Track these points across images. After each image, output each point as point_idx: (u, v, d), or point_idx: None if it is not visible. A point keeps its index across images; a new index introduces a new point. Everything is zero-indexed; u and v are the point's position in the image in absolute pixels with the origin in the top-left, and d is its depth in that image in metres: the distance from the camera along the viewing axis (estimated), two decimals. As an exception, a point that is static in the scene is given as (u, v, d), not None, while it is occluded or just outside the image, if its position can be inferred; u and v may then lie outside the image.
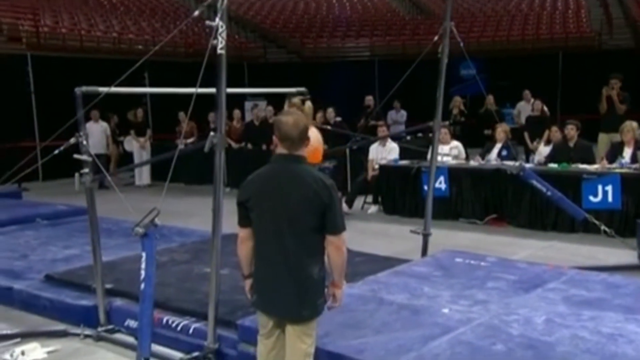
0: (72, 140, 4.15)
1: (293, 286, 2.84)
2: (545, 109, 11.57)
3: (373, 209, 9.17)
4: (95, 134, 10.93)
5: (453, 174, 8.27)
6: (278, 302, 2.89)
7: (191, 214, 8.02)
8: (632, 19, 19.12)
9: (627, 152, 7.57)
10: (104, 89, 4.11)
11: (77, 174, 4.21)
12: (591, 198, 7.07)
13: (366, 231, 7.52)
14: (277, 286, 2.87)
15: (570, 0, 21.73)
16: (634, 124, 7.73)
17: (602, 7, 20.93)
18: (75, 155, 4.17)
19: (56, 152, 4.20)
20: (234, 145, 11.30)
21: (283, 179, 2.86)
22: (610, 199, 7.01)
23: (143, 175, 12.03)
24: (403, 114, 14.26)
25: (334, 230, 2.83)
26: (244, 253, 3.00)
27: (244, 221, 2.95)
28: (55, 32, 15.73)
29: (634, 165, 7.27)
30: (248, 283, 3.05)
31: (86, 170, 4.22)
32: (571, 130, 8.08)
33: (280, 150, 2.89)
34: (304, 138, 2.88)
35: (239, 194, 2.97)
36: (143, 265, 3.34)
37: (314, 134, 3.92)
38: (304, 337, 2.91)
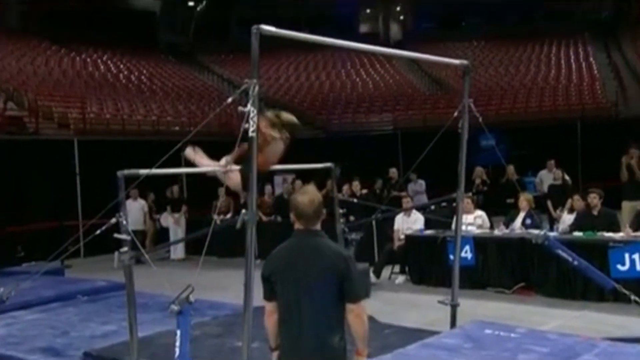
0: (113, 221, 4.26)
1: (315, 356, 2.86)
2: (567, 177, 11.49)
3: (400, 278, 9.02)
4: (134, 212, 11.14)
5: (478, 243, 8.15)
6: None
7: (224, 287, 7.99)
8: (646, 89, 19.15)
9: (652, 220, 7.42)
10: (143, 171, 4.23)
11: (116, 253, 4.26)
12: (619, 267, 6.85)
13: (394, 301, 7.38)
14: (301, 356, 2.88)
15: (585, 72, 21.93)
16: (656, 191, 7.60)
17: (616, 80, 21.02)
18: (116, 235, 4.27)
19: (98, 232, 4.30)
20: (265, 218, 11.38)
21: (303, 253, 2.95)
22: (638, 267, 6.78)
23: (178, 250, 12.11)
24: (421, 183, 14.11)
25: (352, 298, 2.87)
26: (270, 326, 3.02)
27: (269, 295, 2.99)
28: (100, 118, 16.40)
29: (660, 233, 7.09)
30: (275, 355, 3.04)
31: (125, 249, 4.28)
32: (594, 199, 7.94)
33: (298, 226, 3.00)
34: (319, 214, 2.99)
35: (263, 269, 3.04)
36: (177, 343, 3.31)
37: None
38: None
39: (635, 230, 7.37)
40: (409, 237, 9.04)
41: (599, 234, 7.44)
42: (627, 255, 6.85)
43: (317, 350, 2.85)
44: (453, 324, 5.53)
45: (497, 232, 8.50)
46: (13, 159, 12.13)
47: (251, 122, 3.75)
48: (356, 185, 11.52)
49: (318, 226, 3.01)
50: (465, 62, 5.69)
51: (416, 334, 5.24)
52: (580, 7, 28.51)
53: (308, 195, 3.00)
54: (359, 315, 2.87)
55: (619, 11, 27.68)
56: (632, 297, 5.75)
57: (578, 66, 22.87)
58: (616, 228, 7.61)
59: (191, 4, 28.95)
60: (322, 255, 2.91)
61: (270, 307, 2.99)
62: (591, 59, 23.53)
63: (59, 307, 7.35)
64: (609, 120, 17.11)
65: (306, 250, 2.95)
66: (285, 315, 2.94)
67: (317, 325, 2.86)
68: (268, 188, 12.54)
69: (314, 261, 2.90)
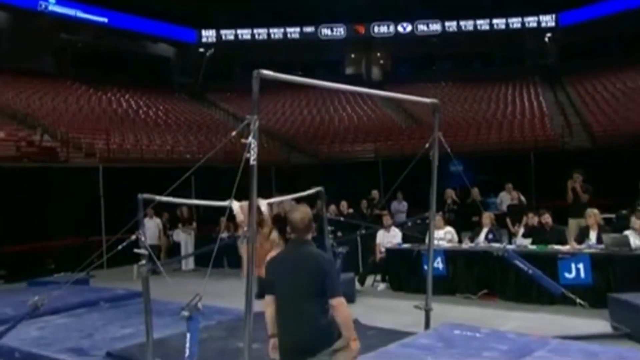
0: (133, 237, 4.25)
1: (307, 335, 3.03)
2: (522, 198, 11.55)
3: (382, 286, 8.98)
4: (150, 229, 11.01)
5: (448, 255, 8.13)
6: (295, 352, 3.05)
7: (229, 294, 7.81)
8: (587, 125, 19.42)
9: (593, 235, 7.45)
10: (159, 197, 4.24)
11: (135, 265, 4.22)
12: (566, 275, 6.86)
13: (376, 306, 7.33)
14: (296, 337, 3.05)
15: (535, 110, 22.22)
16: (595, 210, 7.67)
17: (562, 116, 21.33)
18: (135, 250, 4.25)
19: (120, 247, 4.28)
20: (265, 234, 11.33)
21: (295, 259, 3.17)
22: (582, 275, 6.80)
23: (188, 262, 12.01)
24: (404, 204, 14.10)
25: (332, 294, 3.04)
26: (268, 315, 3.20)
27: (270, 290, 3.21)
28: (122, 148, 16.36)
29: (600, 246, 7.12)
30: (272, 342, 3.17)
31: (143, 262, 4.26)
32: (547, 218, 8.02)
33: (293, 236, 3.29)
34: (309, 228, 3.25)
35: (266, 269, 3.29)
36: (187, 344, 3.28)
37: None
38: None
39: (579, 243, 7.41)
40: (389, 250, 9.02)
41: (550, 246, 7.47)
42: (573, 265, 6.87)
43: (308, 331, 3.02)
44: (427, 325, 5.52)
45: (464, 246, 8.51)
46: (46, 184, 12.07)
47: (252, 152, 3.78)
48: (343, 205, 11.51)
49: (309, 236, 3.25)
50: (435, 101, 5.77)
51: (395, 335, 5.22)
52: (530, 54, 29.06)
53: (300, 213, 3.21)
54: (337, 307, 3.02)
55: (562, 58, 28.27)
56: (578, 300, 5.79)
57: (530, 104, 23.18)
58: (564, 242, 7.65)
59: (201, 50, 29.17)
60: (310, 260, 3.12)
61: (269, 299, 3.18)
62: (540, 98, 23.88)
63: (84, 312, 7.27)
64: (556, 150, 17.27)
65: (298, 257, 3.17)
66: (283, 306, 3.12)
67: (308, 315, 3.03)
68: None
69: (304, 265, 3.10)
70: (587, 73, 24.51)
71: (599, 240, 7.26)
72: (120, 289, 8.66)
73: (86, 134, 16.72)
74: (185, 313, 3.28)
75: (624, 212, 9.48)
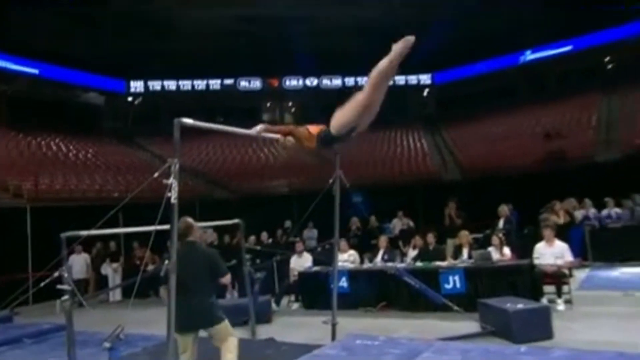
0: (56, 274, 3.89)
1: (198, 310, 3.89)
2: (412, 223, 12.11)
3: (296, 305, 8.90)
4: (78, 263, 10.22)
5: (352, 274, 8.26)
6: (192, 320, 3.88)
7: (153, 322, 7.40)
8: (458, 162, 21.00)
9: (465, 252, 7.96)
10: (83, 233, 3.95)
11: (58, 301, 3.80)
12: (446, 286, 7.23)
13: (290, 324, 7.23)
14: (192, 311, 3.84)
15: (419, 150, 23.65)
16: (466, 232, 8.26)
17: (439, 155, 22.94)
18: (58, 286, 3.90)
19: (42, 284, 3.91)
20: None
21: (187, 254, 3.91)
22: (458, 285, 7.19)
23: (115, 294, 11.16)
24: (314, 231, 14.24)
25: (220, 275, 4.08)
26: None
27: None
28: (51, 189, 15.03)
29: (470, 261, 7.61)
30: None
31: (66, 297, 3.92)
32: (431, 238, 8.45)
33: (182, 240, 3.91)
34: (187, 233, 4.05)
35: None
36: (110, 373, 3.03)
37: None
38: (223, 332, 3.97)
39: (454, 259, 7.88)
40: (301, 273, 9.00)
41: (433, 263, 7.85)
42: (450, 278, 7.26)
43: (199, 307, 3.88)
44: (333, 338, 5.54)
45: (364, 266, 8.70)
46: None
47: (173, 192, 3.67)
48: (264, 235, 11.40)
49: (192, 238, 4.08)
50: (335, 145, 5.95)
51: (306, 349, 5.16)
52: (413, 106, 31.27)
53: (179, 225, 3.77)
54: (225, 284, 4.22)
55: (438, 109, 30.71)
56: (455, 307, 6.10)
57: (414, 145, 24.64)
58: (443, 258, 8.10)
59: (130, 98, 28.10)
60: (198, 254, 4.02)
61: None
62: (422, 140, 25.48)
63: (6, 350, 6.44)
64: (436, 182, 18.35)
65: (187, 253, 3.90)
66: (181, 289, 3.55)
67: (199, 293, 3.88)
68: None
69: (194, 258, 3.95)
70: (458, 121, 26.66)
71: (470, 256, 7.77)
72: (45, 323, 7.79)
73: (14, 176, 15.19)
74: (107, 344, 3.04)
75: (487, 232, 10.23)
